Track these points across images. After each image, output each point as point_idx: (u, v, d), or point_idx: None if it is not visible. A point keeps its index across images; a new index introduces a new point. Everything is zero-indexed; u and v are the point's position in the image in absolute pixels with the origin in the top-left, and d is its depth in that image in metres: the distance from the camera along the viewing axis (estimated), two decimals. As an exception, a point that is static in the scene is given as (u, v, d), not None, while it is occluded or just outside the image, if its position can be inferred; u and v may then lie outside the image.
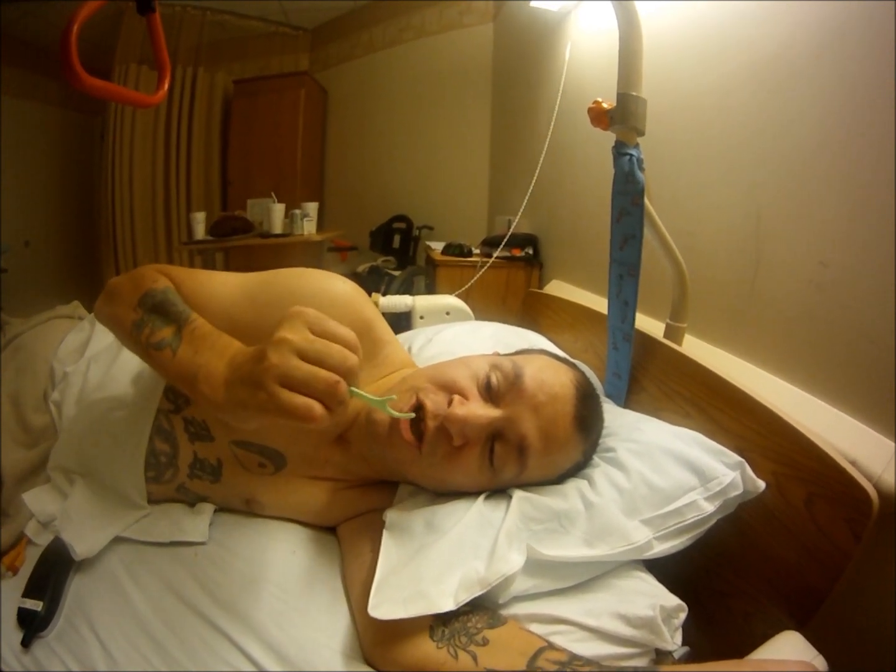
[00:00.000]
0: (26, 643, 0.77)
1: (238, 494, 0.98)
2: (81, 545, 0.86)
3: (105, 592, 0.84)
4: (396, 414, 0.75)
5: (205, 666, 0.73)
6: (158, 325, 0.81)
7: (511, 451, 0.83)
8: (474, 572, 0.73)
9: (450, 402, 0.82)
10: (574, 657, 0.67)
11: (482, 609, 0.73)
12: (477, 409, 0.81)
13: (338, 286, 0.93)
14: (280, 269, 0.96)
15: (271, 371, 0.61)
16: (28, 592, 0.82)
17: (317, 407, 0.60)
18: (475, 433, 0.81)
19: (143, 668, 0.73)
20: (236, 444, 0.94)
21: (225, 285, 0.94)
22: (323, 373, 0.61)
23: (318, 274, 0.94)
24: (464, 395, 0.83)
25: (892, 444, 0.84)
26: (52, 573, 0.85)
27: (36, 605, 0.80)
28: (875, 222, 0.93)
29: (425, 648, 0.70)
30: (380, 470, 0.96)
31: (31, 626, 0.78)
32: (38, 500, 0.98)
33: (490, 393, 0.84)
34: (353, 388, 0.64)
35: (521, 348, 1.05)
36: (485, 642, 0.69)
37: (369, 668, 0.74)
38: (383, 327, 1.01)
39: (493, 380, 0.85)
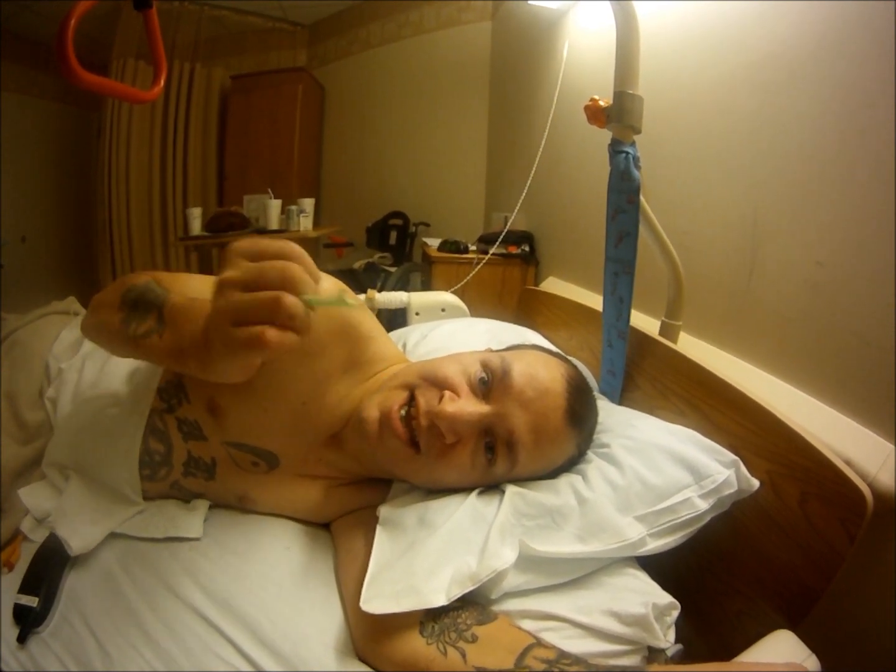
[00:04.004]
0: (22, 639, 0.77)
1: (232, 492, 0.98)
2: (76, 541, 0.86)
3: (100, 588, 0.84)
4: (350, 303, 0.67)
5: (198, 661, 0.73)
6: (142, 315, 0.80)
7: (501, 446, 0.83)
8: (466, 567, 0.73)
9: (440, 399, 0.82)
10: (562, 655, 0.67)
11: (472, 605, 0.74)
12: (467, 406, 0.82)
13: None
14: None
15: (219, 315, 0.60)
16: (24, 588, 0.82)
17: (268, 332, 0.56)
18: (466, 430, 0.81)
19: (138, 662, 0.74)
20: (229, 444, 0.95)
21: (205, 284, 0.91)
22: (262, 295, 0.57)
23: None
24: (455, 392, 0.84)
25: (888, 443, 0.85)
26: (48, 569, 0.85)
27: (31, 601, 0.80)
28: (872, 223, 0.93)
29: (414, 644, 0.70)
30: (371, 468, 0.96)
31: (27, 622, 0.78)
32: (33, 496, 0.98)
33: (480, 389, 0.85)
34: (305, 297, 0.59)
35: (513, 343, 1.05)
36: (474, 639, 0.69)
37: (361, 664, 0.74)
38: (368, 324, 0.99)
39: (483, 376, 0.85)
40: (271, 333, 0.56)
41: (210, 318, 0.62)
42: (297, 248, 0.60)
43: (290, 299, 0.57)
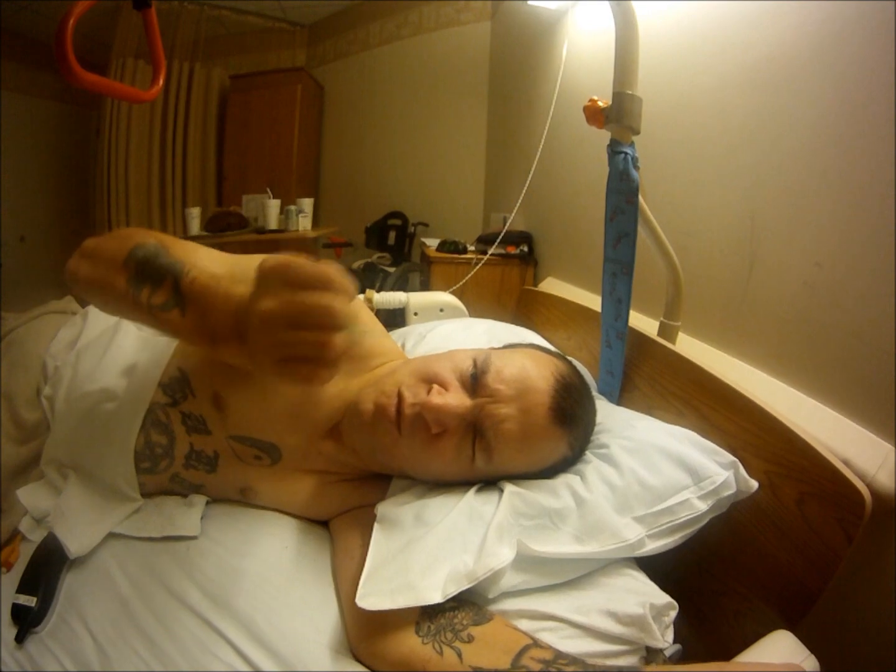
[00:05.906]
0: (20, 639, 0.76)
1: (233, 485, 0.99)
2: (74, 543, 0.86)
3: (97, 588, 0.85)
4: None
5: (195, 660, 0.73)
6: (155, 282, 0.76)
7: (481, 439, 0.84)
8: (463, 566, 0.73)
9: (428, 392, 0.84)
10: (559, 655, 0.67)
11: (469, 605, 0.74)
12: (452, 399, 0.83)
13: None
14: (262, 254, 0.93)
15: (266, 350, 0.61)
16: (22, 588, 0.82)
17: (320, 374, 0.61)
18: (451, 421, 0.83)
19: (134, 662, 0.74)
20: (233, 438, 0.95)
21: (211, 261, 0.89)
22: (310, 338, 0.59)
23: None
24: (444, 386, 0.86)
25: (887, 444, 0.85)
26: (46, 569, 0.85)
27: (29, 601, 0.80)
28: (870, 224, 0.93)
29: (410, 644, 0.70)
30: (368, 461, 0.96)
31: (25, 621, 0.78)
32: (31, 496, 0.98)
33: (470, 385, 0.86)
34: (345, 331, 0.62)
35: (511, 343, 1.06)
36: (470, 639, 0.69)
37: (357, 663, 0.74)
38: (364, 319, 1.04)
39: (471, 371, 0.87)
40: (323, 374, 0.61)
41: (256, 348, 0.63)
42: (334, 274, 0.60)
43: (337, 342, 0.60)
